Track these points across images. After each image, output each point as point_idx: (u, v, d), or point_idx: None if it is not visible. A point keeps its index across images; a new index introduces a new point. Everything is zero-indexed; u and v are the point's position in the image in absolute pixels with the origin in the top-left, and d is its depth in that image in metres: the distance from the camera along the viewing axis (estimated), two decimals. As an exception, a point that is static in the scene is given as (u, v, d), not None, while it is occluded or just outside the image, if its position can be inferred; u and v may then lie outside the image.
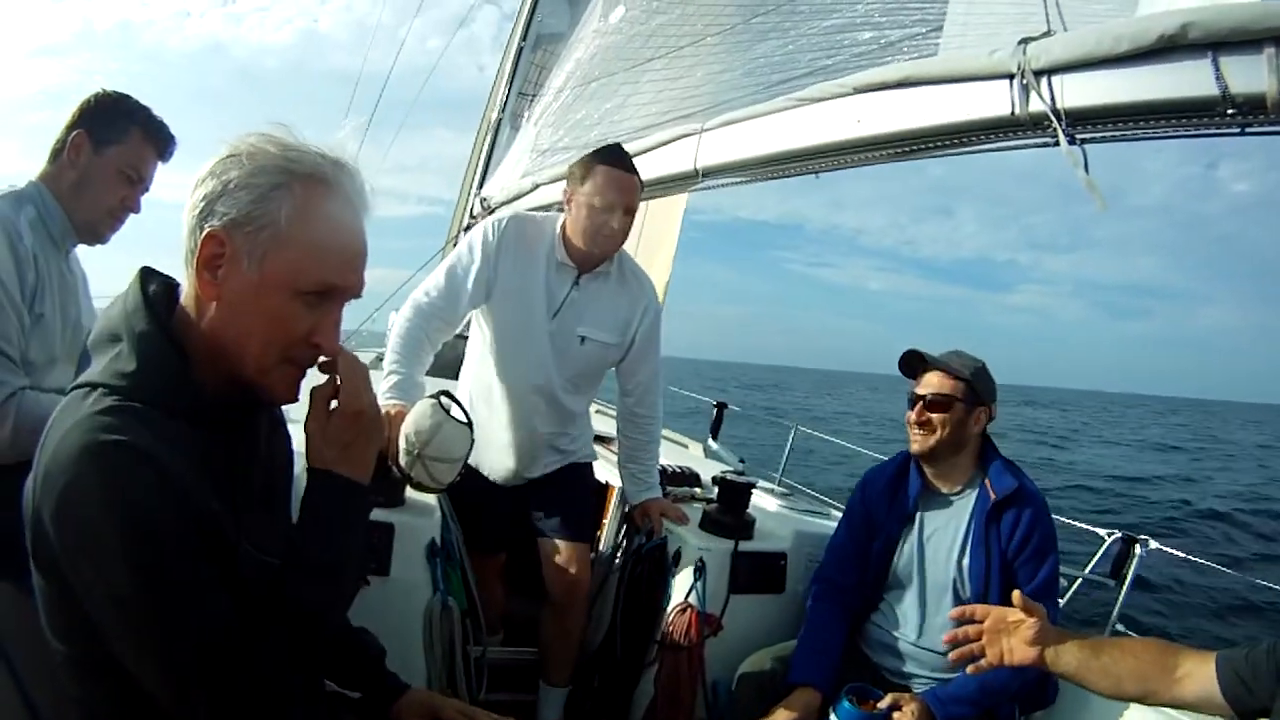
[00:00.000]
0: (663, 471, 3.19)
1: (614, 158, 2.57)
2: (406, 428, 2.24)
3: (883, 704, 2.19)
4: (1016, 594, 1.79)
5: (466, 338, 2.90)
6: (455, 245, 5.40)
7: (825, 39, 2.91)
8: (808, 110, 2.70)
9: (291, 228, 1.15)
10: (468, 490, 2.55)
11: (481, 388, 2.74)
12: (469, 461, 2.37)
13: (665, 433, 3.43)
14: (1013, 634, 1.76)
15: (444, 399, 2.27)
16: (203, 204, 1.15)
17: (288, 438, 1.46)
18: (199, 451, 1.15)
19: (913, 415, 2.43)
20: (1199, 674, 1.65)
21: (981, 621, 1.80)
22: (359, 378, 1.28)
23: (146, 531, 1.05)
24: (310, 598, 1.21)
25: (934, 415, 2.40)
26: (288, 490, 1.45)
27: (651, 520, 2.77)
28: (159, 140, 2.04)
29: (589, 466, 2.96)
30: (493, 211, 4.56)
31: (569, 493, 2.83)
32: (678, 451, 4.29)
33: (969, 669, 1.80)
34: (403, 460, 2.24)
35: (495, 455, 2.77)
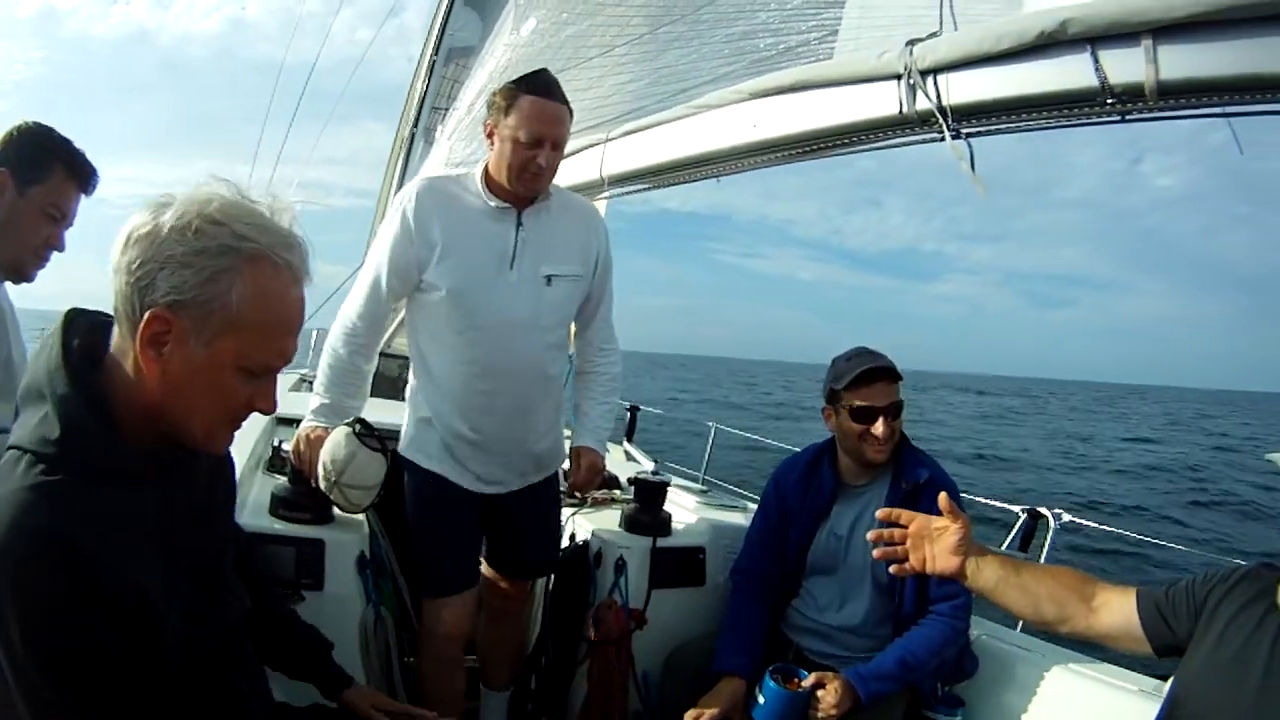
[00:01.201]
0: None
1: (541, 86, 2.26)
2: (324, 455, 2.22)
3: (806, 683, 2.18)
4: (943, 498, 1.77)
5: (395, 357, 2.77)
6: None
7: (728, 46, 2.91)
8: (706, 117, 2.70)
9: (241, 312, 1.13)
10: (433, 502, 2.41)
11: (445, 385, 2.38)
12: (438, 472, 2.36)
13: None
14: (936, 541, 1.76)
15: (358, 426, 2.26)
16: (139, 270, 1.10)
17: (228, 465, 1.47)
18: (129, 515, 1.13)
19: (877, 429, 2.33)
20: (1118, 605, 1.65)
21: (906, 526, 1.79)
22: None
23: (52, 626, 1.03)
24: None
25: (895, 423, 2.37)
26: (227, 515, 1.48)
27: (580, 471, 2.55)
28: (82, 177, 1.97)
29: (557, 477, 2.69)
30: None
31: (539, 526, 2.63)
32: None
33: (892, 569, 1.79)
34: (321, 485, 2.25)
35: (475, 458, 2.40)
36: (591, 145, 3.23)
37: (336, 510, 2.41)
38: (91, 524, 1.07)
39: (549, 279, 2.35)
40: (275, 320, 1.18)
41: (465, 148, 4.26)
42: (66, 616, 1.04)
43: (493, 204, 2.29)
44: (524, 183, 2.27)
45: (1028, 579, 1.72)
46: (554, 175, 2.34)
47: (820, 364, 2.56)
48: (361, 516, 2.47)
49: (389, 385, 3.73)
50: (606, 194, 3.25)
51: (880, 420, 2.33)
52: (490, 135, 2.29)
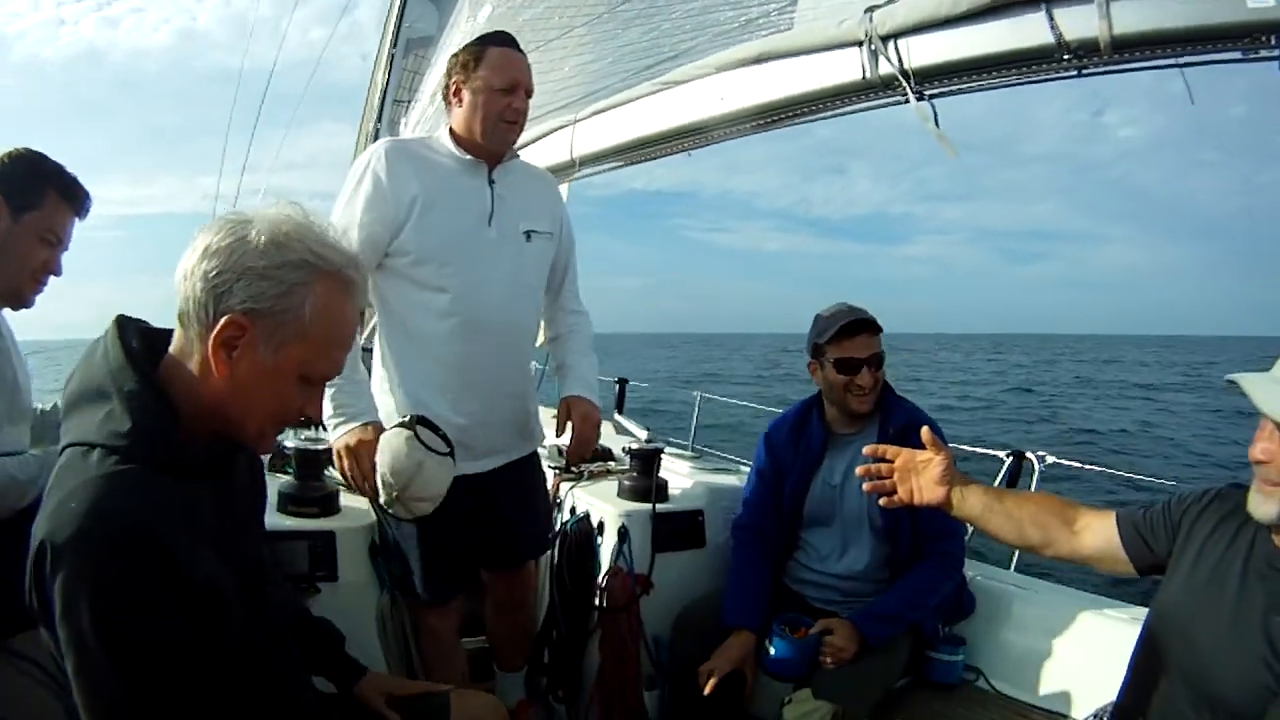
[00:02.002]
0: None
1: (503, 38, 2.29)
2: (383, 468, 2.06)
3: (814, 630, 2.27)
4: (926, 431, 1.86)
5: None
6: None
7: (688, 21, 2.95)
8: (673, 92, 2.76)
9: (313, 324, 1.22)
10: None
11: (425, 352, 2.29)
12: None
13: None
14: (921, 473, 1.84)
15: (421, 430, 2.08)
16: (217, 279, 1.17)
17: (261, 466, 1.55)
18: (192, 509, 1.19)
19: (860, 379, 2.44)
20: (1099, 527, 1.75)
21: (893, 461, 1.87)
22: None
23: (127, 613, 1.08)
24: None
25: (878, 373, 2.47)
26: (262, 511, 1.54)
27: (573, 423, 2.45)
28: (75, 201, 1.97)
29: (538, 455, 2.65)
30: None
31: (531, 501, 2.60)
32: None
33: (882, 501, 1.88)
34: (382, 500, 2.12)
35: (461, 428, 2.28)
36: (561, 127, 3.27)
37: (343, 500, 2.44)
38: (166, 515, 1.12)
39: (528, 235, 2.34)
40: (338, 334, 1.27)
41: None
42: (142, 604, 1.08)
43: (467, 158, 2.27)
44: (500, 133, 2.26)
45: (1011, 505, 1.81)
46: (523, 129, 2.34)
47: (791, 333, 2.62)
48: (366, 504, 2.46)
49: None
50: (579, 174, 3.29)
51: (864, 370, 2.43)
52: (457, 94, 2.27)
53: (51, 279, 1.97)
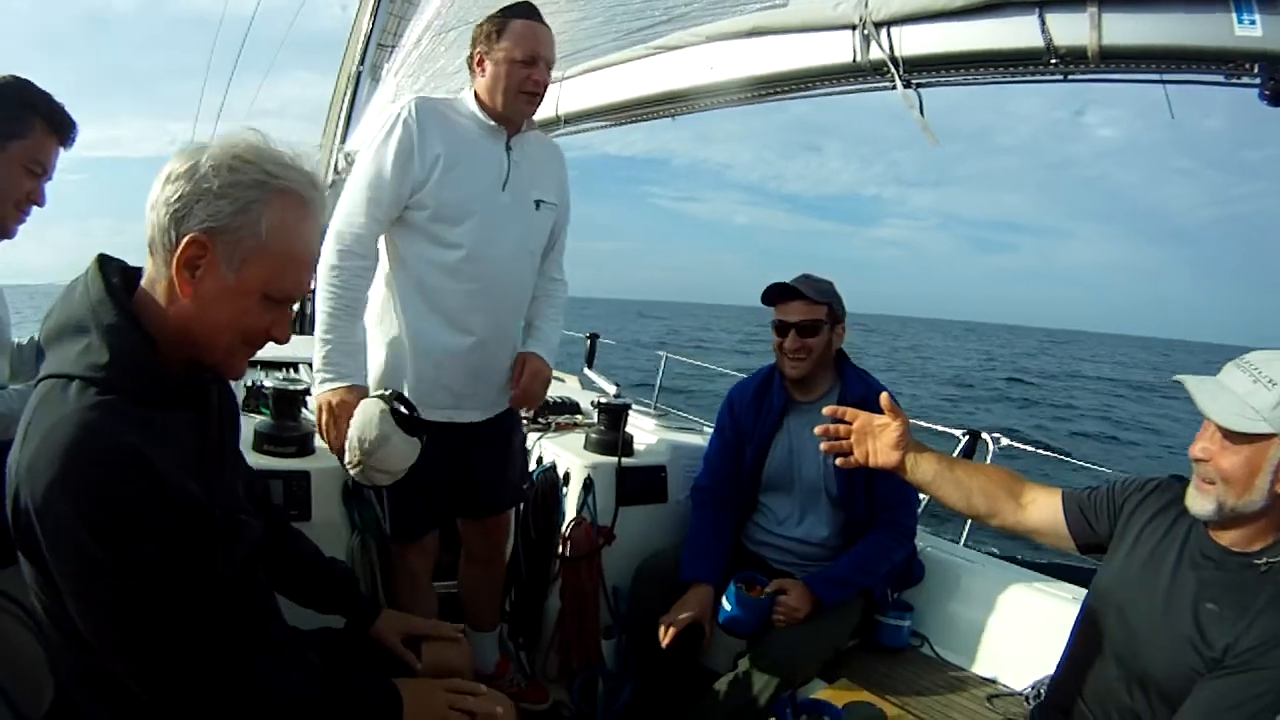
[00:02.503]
0: (543, 403, 3.29)
1: (527, 10, 2.33)
2: (353, 430, 2.12)
3: (769, 589, 2.37)
4: (884, 396, 1.94)
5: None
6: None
7: (683, -14, 2.94)
8: (664, 58, 2.79)
9: (270, 240, 1.24)
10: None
11: (430, 301, 2.34)
12: (409, 398, 2.24)
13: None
14: (878, 437, 1.90)
15: (397, 405, 2.13)
16: (178, 203, 1.20)
17: (232, 397, 1.54)
18: (172, 435, 1.23)
19: (787, 343, 2.55)
20: (1044, 503, 1.85)
21: (851, 423, 1.93)
22: None
23: (135, 527, 1.12)
24: (279, 686, 1.31)
25: (807, 340, 2.54)
26: (236, 443, 1.55)
27: (524, 377, 2.46)
28: (62, 131, 1.93)
29: (516, 411, 2.68)
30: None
31: (508, 455, 2.63)
32: (553, 385, 4.36)
33: (838, 462, 1.94)
34: (347, 460, 2.16)
35: (453, 375, 2.37)
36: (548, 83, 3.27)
37: (318, 441, 2.44)
38: (148, 439, 1.16)
39: (538, 203, 2.42)
40: (298, 252, 1.29)
41: (412, 84, 4.23)
42: (137, 519, 1.13)
43: (489, 123, 2.33)
44: (520, 103, 2.31)
45: (961, 474, 1.89)
46: (542, 99, 2.38)
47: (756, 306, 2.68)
48: None
49: None
50: (562, 131, 3.30)
51: (790, 334, 2.53)
52: (480, 64, 2.32)
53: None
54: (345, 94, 4.92)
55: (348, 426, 2.14)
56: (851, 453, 1.92)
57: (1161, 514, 1.71)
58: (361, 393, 2.20)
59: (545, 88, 2.35)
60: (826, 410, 1.96)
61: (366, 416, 2.10)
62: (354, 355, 2.26)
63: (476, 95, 2.34)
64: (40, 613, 1.22)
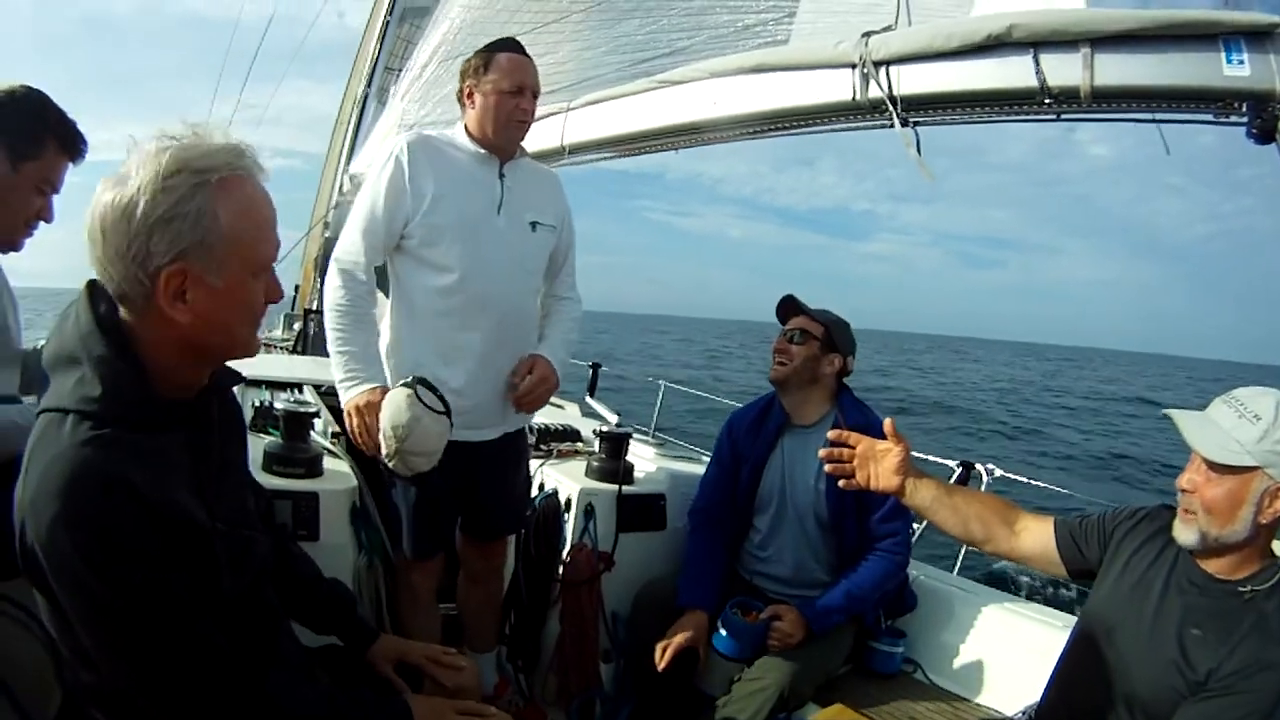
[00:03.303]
0: (545, 430, 3.40)
1: (510, 44, 2.46)
2: (384, 421, 2.21)
3: (764, 615, 2.41)
4: (888, 422, 1.99)
5: None
6: (325, 226, 5.31)
7: (685, 20, 3.03)
8: (668, 92, 2.86)
9: (232, 228, 1.23)
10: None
11: (426, 330, 2.43)
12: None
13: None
14: (880, 461, 1.95)
15: (420, 389, 2.21)
16: (131, 251, 1.18)
17: (236, 410, 1.54)
18: (166, 458, 1.24)
19: (776, 344, 2.66)
20: (1037, 530, 1.91)
21: (854, 447, 1.98)
22: None
23: (129, 555, 1.14)
24: (291, 704, 1.33)
25: (793, 346, 2.62)
26: (243, 457, 1.56)
27: (531, 376, 2.47)
28: (73, 149, 1.95)
29: (524, 434, 2.77)
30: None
31: (515, 476, 2.69)
32: (554, 412, 4.40)
33: (841, 484, 1.98)
34: (383, 453, 2.25)
35: (453, 395, 2.38)
36: (553, 113, 3.33)
37: (326, 463, 2.51)
38: (140, 464, 1.18)
39: (534, 225, 2.49)
40: (258, 222, 1.29)
41: (419, 110, 4.27)
42: (133, 548, 1.15)
43: (481, 152, 2.42)
44: (509, 131, 2.41)
45: (959, 501, 1.95)
46: (530, 127, 2.48)
47: (750, 320, 2.76)
48: (348, 469, 2.57)
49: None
50: (566, 161, 3.36)
51: (779, 338, 2.64)
52: (470, 97, 2.42)
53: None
54: (351, 117, 4.98)
55: (378, 424, 2.23)
56: (854, 475, 1.96)
57: (1150, 541, 1.76)
58: (386, 392, 2.29)
59: (532, 115, 2.45)
60: (831, 434, 2.00)
61: (395, 405, 2.19)
62: (372, 361, 2.37)
63: (467, 129, 2.45)
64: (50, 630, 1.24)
